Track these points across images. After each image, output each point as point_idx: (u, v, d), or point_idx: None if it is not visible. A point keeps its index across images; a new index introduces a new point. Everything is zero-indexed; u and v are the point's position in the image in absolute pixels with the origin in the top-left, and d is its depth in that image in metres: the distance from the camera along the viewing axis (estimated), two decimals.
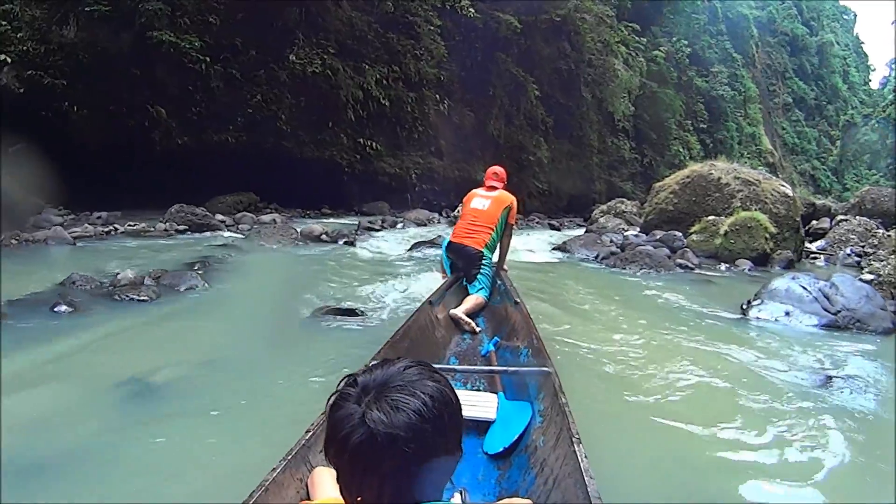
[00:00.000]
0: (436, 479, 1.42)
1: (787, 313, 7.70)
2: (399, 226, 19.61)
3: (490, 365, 4.71)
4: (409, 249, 13.00)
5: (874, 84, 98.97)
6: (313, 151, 23.53)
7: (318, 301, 7.56)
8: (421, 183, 27.38)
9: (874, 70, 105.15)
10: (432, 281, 7.81)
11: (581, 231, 22.57)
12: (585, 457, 2.44)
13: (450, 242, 7.00)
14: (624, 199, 24.84)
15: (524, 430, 3.37)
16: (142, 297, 7.08)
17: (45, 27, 18.21)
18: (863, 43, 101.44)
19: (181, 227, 14.61)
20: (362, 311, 7.03)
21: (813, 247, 17.21)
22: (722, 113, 57.43)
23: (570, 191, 37.25)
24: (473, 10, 27.75)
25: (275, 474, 2.27)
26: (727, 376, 5.37)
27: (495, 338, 5.39)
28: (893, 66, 78.04)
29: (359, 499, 1.39)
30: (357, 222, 18.72)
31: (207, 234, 14.61)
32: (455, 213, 20.21)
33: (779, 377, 5.43)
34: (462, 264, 6.77)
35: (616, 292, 9.68)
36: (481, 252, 6.62)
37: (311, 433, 2.63)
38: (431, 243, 12.94)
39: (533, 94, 32.84)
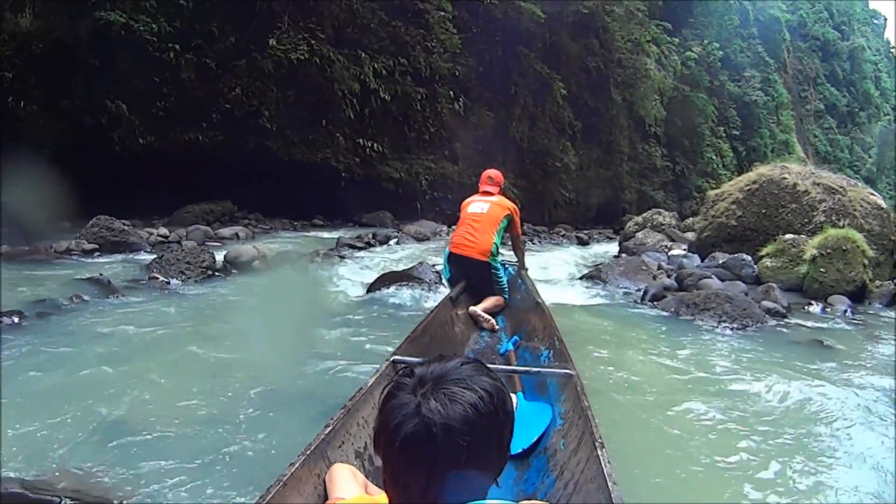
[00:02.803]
0: (483, 477, 1.34)
1: None
2: (393, 242, 15.41)
3: (509, 364, 4.56)
4: (370, 290, 8.48)
5: None
6: (304, 153, 19.60)
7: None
8: (432, 190, 23.14)
9: None
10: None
11: (612, 246, 19.83)
12: (609, 462, 2.30)
13: (450, 254, 6.46)
14: (661, 210, 20.79)
15: (544, 431, 3.28)
16: None
17: None
18: (894, 48, 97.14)
19: (89, 247, 10.62)
20: None
21: None
22: (755, 119, 53.50)
23: (598, 200, 33.76)
24: None
25: (293, 469, 2.17)
26: None
27: (514, 337, 5.30)
28: None
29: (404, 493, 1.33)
30: (337, 238, 14.67)
31: (119, 256, 10.69)
32: None
33: None
34: (470, 277, 6.32)
35: (712, 403, 4.81)
36: (486, 262, 6.18)
37: (329, 428, 2.55)
38: (406, 279, 8.54)
39: (559, 94, 28.75)
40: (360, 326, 6.47)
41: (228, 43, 18.14)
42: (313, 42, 18.57)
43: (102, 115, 16.27)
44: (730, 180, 46.53)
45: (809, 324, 7.93)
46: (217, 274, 9.01)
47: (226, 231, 14.57)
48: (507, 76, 26.60)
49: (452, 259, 6.43)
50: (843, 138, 74.02)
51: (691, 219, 21.97)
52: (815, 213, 11.86)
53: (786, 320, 7.99)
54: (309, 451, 2.32)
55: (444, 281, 6.89)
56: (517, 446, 3.08)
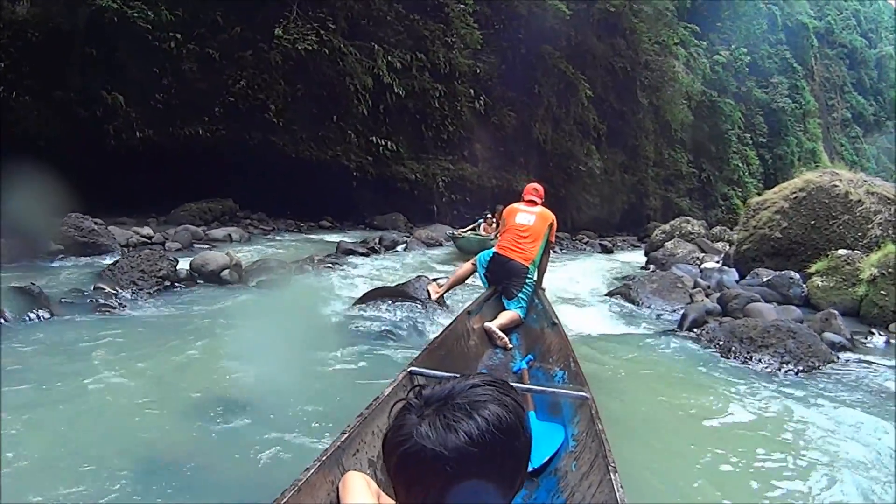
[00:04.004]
0: (487, 498, 1.25)
1: None
2: (401, 247, 13.81)
3: (522, 382, 4.22)
4: (351, 310, 6.87)
5: None
6: (312, 151, 18.15)
7: None
8: (450, 192, 21.57)
9: None
10: None
11: (638, 255, 18.86)
12: (621, 486, 2.24)
13: (495, 254, 6.41)
14: (689, 218, 19.02)
15: (555, 452, 3.21)
16: None
17: None
18: None
19: (55, 248, 9.09)
20: None
21: None
22: (782, 127, 51.17)
23: (622, 206, 32.29)
24: None
25: (308, 475, 2.14)
26: None
27: (528, 356, 5.13)
28: None
29: None
30: (337, 242, 13.01)
31: (84, 259, 9.15)
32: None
33: None
34: (504, 278, 6.20)
35: None
36: (527, 268, 6.15)
37: (346, 435, 2.52)
38: (396, 297, 6.95)
39: (585, 96, 27.18)
40: (325, 364, 4.96)
41: (234, 33, 16.81)
42: (323, 32, 17.04)
43: (98, 106, 15.10)
44: (756, 188, 45.54)
45: (882, 361, 6.24)
46: (177, 285, 7.40)
47: (218, 232, 13.06)
48: (530, 75, 24.99)
49: (496, 258, 6.38)
50: (870, 147, 71.85)
51: (718, 228, 20.40)
52: (869, 226, 10.35)
53: (852, 356, 6.32)
54: (325, 458, 2.29)
55: (480, 279, 6.64)
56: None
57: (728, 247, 17.04)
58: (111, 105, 15.10)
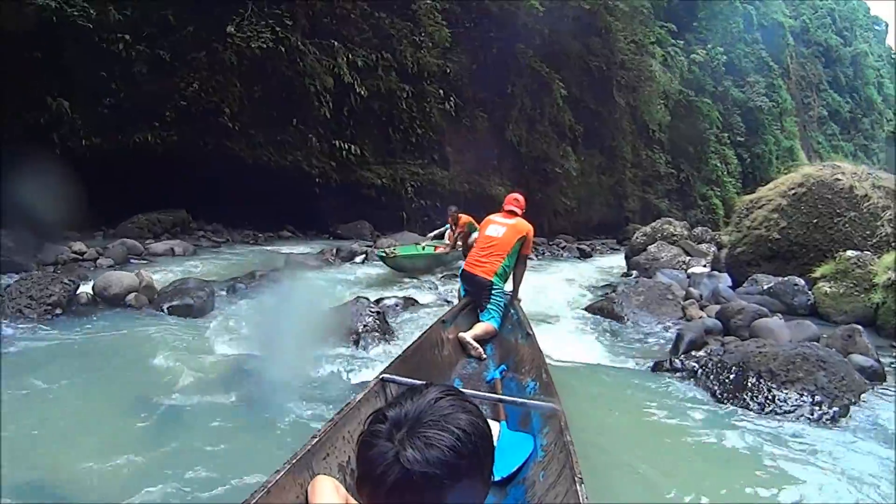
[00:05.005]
0: None
1: None
2: (359, 258, 12.74)
3: (494, 392, 4.47)
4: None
5: None
6: (271, 156, 17.04)
7: None
8: (419, 198, 20.51)
9: None
10: None
11: (618, 259, 18.22)
12: (587, 497, 2.30)
13: (463, 270, 6.51)
14: (671, 220, 17.98)
15: (524, 462, 3.24)
16: None
17: None
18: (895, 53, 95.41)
19: None
20: None
21: None
22: (759, 125, 51.20)
23: (600, 208, 31.56)
24: None
25: (278, 477, 2.18)
26: None
27: (502, 366, 5.12)
28: None
29: None
30: (285, 255, 11.94)
31: None
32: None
33: None
34: (474, 293, 6.24)
35: None
36: (490, 281, 6.07)
37: (316, 440, 2.54)
38: None
39: (559, 96, 26.30)
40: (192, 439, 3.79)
41: (186, 33, 15.68)
42: (279, 30, 15.95)
43: (42, 113, 13.99)
44: (735, 188, 45.05)
45: None
46: (73, 311, 6.36)
47: (159, 246, 12.02)
48: (502, 75, 24.00)
49: (464, 275, 6.47)
50: (847, 145, 71.87)
51: (700, 229, 19.50)
52: (878, 224, 9.36)
53: (886, 383, 5.34)
54: (294, 461, 2.32)
55: (458, 296, 6.67)
56: (497, 474, 3.05)
57: (714, 249, 16.20)
58: (56, 111, 13.99)
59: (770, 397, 4.75)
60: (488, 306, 5.98)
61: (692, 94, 39.71)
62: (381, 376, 3.41)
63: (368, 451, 1.26)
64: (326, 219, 18.54)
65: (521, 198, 6.69)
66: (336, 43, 17.56)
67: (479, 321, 5.88)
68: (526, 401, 3.79)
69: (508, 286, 6.43)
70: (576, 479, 2.43)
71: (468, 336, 5.46)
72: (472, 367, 5.29)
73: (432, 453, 1.21)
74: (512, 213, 6.49)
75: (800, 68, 68.18)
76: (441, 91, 21.28)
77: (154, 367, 4.87)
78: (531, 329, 5.51)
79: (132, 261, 10.70)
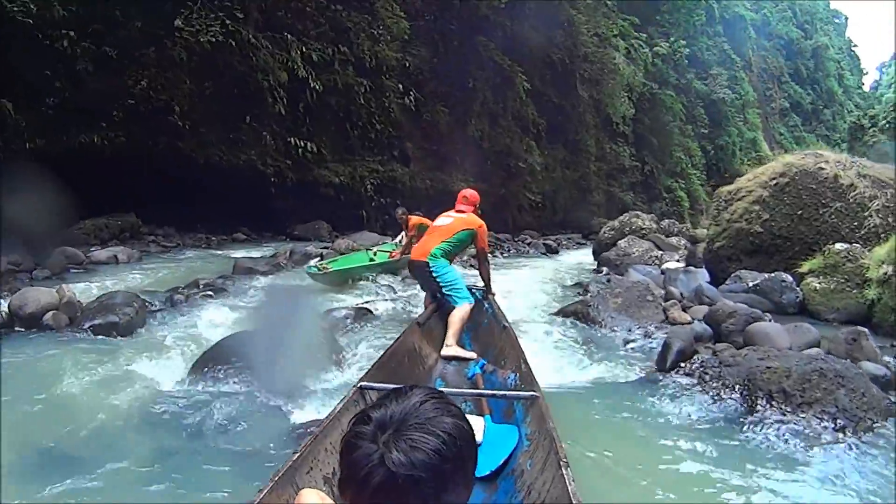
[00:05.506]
0: None
1: None
2: (315, 261, 11.94)
3: (476, 388, 4.47)
4: (197, 369, 5.05)
5: (865, 88, 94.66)
6: (224, 155, 16.45)
7: None
8: (379, 196, 19.97)
9: (866, 73, 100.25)
10: None
11: (585, 254, 17.75)
12: (573, 480, 2.32)
13: (408, 262, 6.62)
14: (639, 213, 17.63)
15: (511, 453, 3.24)
16: None
17: None
18: (855, 46, 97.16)
19: None
20: None
21: None
22: (723, 118, 51.77)
23: (565, 203, 31.22)
24: None
25: (261, 496, 2.14)
26: None
27: (482, 361, 5.07)
28: None
29: None
30: (234, 261, 11.31)
31: None
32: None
33: None
34: (422, 283, 6.37)
35: None
36: (425, 262, 5.91)
37: (298, 454, 2.51)
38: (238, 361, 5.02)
39: (522, 89, 25.98)
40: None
41: (133, 28, 15.00)
42: (229, 23, 15.34)
43: None
44: (699, 180, 45.18)
45: None
46: None
47: (101, 254, 11.33)
48: (464, 69, 23.50)
49: (409, 268, 6.47)
50: (809, 136, 72.74)
51: (667, 221, 19.22)
52: (866, 214, 8.99)
53: None
54: (277, 478, 2.27)
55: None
56: (485, 468, 3.06)
57: (685, 242, 15.91)
58: None
59: (785, 423, 4.16)
60: (444, 291, 5.86)
61: (656, 86, 39.66)
62: (359, 384, 3.42)
63: (352, 453, 1.25)
64: (283, 220, 18.01)
65: (470, 195, 6.52)
66: (290, 36, 17.00)
67: (449, 314, 5.68)
68: (507, 392, 3.92)
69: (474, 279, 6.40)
70: (561, 463, 2.47)
71: (451, 351, 5.33)
72: (453, 365, 5.25)
73: (417, 456, 1.20)
74: (461, 212, 6.32)
75: (762, 61, 69.18)
76: (400, 85, 20.79)
77: (53, 401, 4.30)
78: (507, 321, 5.62)
79: (72, 271, 10.08)
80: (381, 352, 4.51)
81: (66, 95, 14.37)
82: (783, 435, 4.05)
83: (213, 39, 14.96)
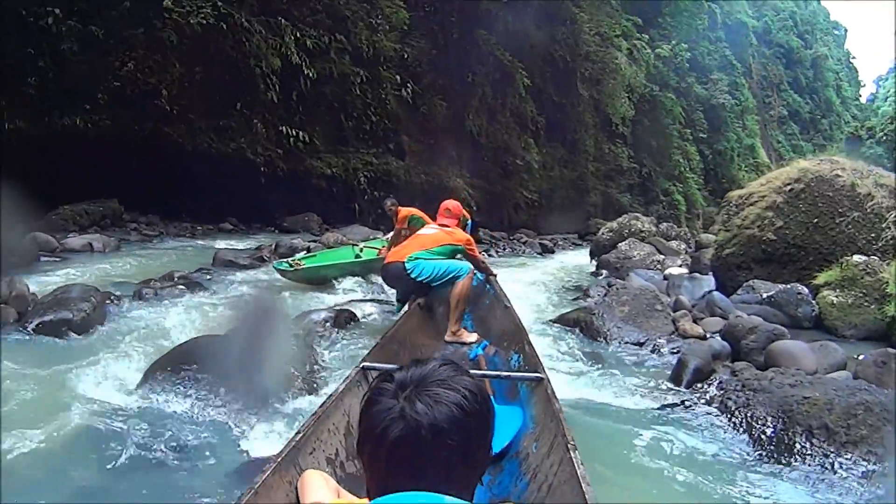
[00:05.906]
0: (471, 477, 1.30)
1: None
2: (300, 255, 11.32)
3: (479, 369, 4.26)
4: (147, 379, 4.25)
5: (863, 100, 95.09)
6: (213, 143, 15.98)
7: None
8: (373, 189, 19.32)
9: (864, 85, 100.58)
10: None
11: (582, 256, 17.50)
12: (582, 463, 2.26)
13: (383, 267, 6.22)
14: (638, 215, 17.13)
15: (515, 435, 3.20)
16: None
17: None
18: (854, 58, 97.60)
19: None
20: None
21: None
22: (722, 123, 51.34)
23: (561, 202, 30.48)
24: None
25: (264, 477, 2.08)
26: None
27: (484, 342, 5.07)
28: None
29: None
30: (215, 252, 10.74)
31: None
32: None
33: None
34: (397, 287, 6.11)
35: None
36: (402, 264, 5.59)
37: (301, 435, 2.46)
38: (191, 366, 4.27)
39: (522, 86, 25.55)
40: None
41: (122, 8, 14.49)
42: (221, 5, 14.79)
43: None
44: (697, 184, 44.86)
45: None
46: None
47: (76, 241, 10.71)
48: (463, 62, 23.03)
49: (382, 275, 6.32)
50: (806, 144, 72.97)
51: (665, 225, 18.71)
52: (884, 227, 8.49)
53: None
54: (280, 459, 2.23)
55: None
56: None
57: (685, 247, 15.52)
58: None
59: (829, 465, 3.59)
60: (434, 284, 5.59)
61: (656, 88, 39.28)
62: (361, 365, 3.38)
63: (373, 408, 1.24)
64: (272, 211, 17.47)
65: (453, 206, 6.31)
66: (284, 21, 16.48)
67: (447, 297, 5.56)
68: (511, 373, 3.92)
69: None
70: (568, 446, 2.42)
71: (454, 337, 5.30)
72: (453, 345, 5.24)
73: (440, 409, 1.20)
74: (445, 226, 6.10)
75: (761, 68, 69.21)
76: (398, 77, 20.30)
77: None
78: (509, 301, 5.62)
79: (42, 258, 9.45)
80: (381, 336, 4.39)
81: (50, 76, 13.94)
82: (831, 480, 3.48)
83: (204, 22, 14.52)
